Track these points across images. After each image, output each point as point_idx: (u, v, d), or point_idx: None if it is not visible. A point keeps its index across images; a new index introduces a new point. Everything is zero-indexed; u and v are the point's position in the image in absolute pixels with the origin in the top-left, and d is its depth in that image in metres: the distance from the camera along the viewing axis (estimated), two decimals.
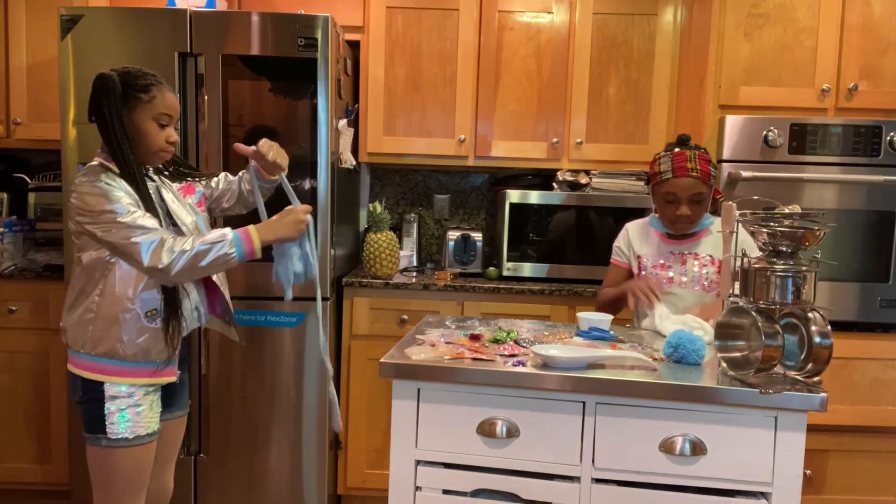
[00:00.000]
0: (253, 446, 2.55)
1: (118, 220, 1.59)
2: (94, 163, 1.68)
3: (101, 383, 1.66)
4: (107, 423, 1.66)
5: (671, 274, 2.13)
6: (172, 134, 1.74)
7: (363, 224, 3.33)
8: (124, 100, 1.66)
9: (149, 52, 2.42)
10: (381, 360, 1.56)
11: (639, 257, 2.20)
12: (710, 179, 2.10)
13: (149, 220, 1.62)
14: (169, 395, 1.84)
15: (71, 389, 1.74)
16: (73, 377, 1.71)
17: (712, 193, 2.18)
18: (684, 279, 2.12)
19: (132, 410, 1.68)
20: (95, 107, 1.67)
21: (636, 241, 2.24)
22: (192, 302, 1.77)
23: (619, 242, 2.29)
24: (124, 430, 1.67)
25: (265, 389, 2.54)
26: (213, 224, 2.01)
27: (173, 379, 1.77)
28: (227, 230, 1.67)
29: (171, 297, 1.70)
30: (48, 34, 2.80)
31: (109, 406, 1.66)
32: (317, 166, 2.47)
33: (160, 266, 1.59)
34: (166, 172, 1.84)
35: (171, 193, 1.79)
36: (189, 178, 1.89)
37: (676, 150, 2.12)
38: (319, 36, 2.42)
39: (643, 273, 2.18)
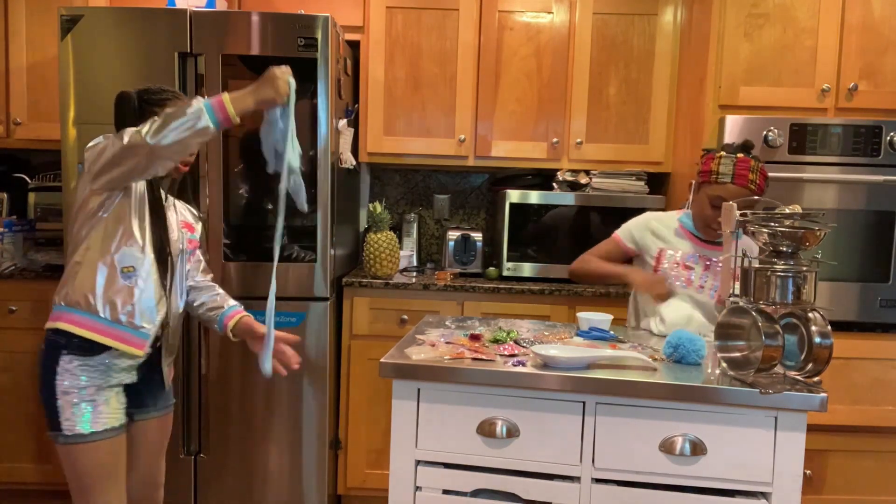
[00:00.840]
0: (253, 446, 2.56)
1: (101, 141, 1.63)
2: None
3: (54, 376, 1.62)
4: (61, 418, 1.63)
5: (692, 276, 2.07)
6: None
7: (363, 224, 3.33)
8: (140, 115, 1.70)
9: (149, 52, 2.42)
10: (381, 360, 1.56)
11: (660, 251, 2.13)
12: (762, 195, 1.99)
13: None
14: (150, 395, 1.83)
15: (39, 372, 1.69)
16: (43, 346, 1.66)
17: None
18: (702, 283, 2.08)
19: (87, 405, 1.64)
20: (117, 124, 1.74)
21: (663, 234, 2.15)
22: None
23: (634, 229, 2.21)
24: (81, 426, 1.64)
25: (265, 389, 2.54)
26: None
27: (139, 353, 1.71)
28: (200, 99, 1.59)
29: (162, 272, 1.72)
30: (48, 34, 2.80)
31: (61, 402, 1.63)
32: (317, 166, 2.47)
33: (140, 136, 1.54)
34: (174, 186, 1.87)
35: (175, 216, 1.83)
36: (188, 205, 1.94)
37: (740, 155, 2.01)
38: (319, 36, 2.42)
39: (661, 267, 2.11)
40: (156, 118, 1.57)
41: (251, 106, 1.62)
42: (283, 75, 1.66)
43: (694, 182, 2.15)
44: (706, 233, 2.10)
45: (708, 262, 2.08)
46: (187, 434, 2.55)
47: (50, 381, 1.63)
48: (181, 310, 1.86)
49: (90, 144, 1.67)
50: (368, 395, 2.73)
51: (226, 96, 1.59)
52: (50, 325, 1.67)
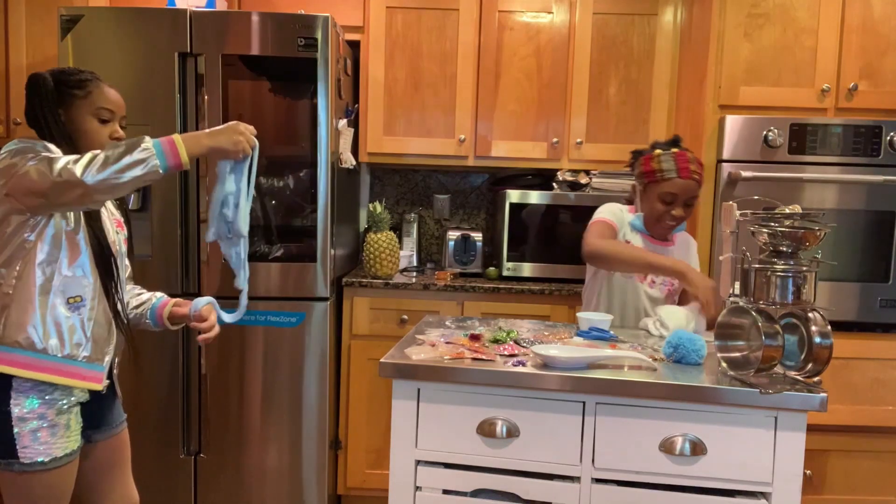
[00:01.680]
0: (253, 446, 2.56)
1: (19, 161, 1.42)
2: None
3: (8, 401, 1.48)
4: (17, 447, 1.48)
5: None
6: (117, 130, 1.62)
7: (363, 224, 3.33)
8: (59, 98, 1.56)
9: (149, 52, 2.42)
10: (381, 360, 1.56)
11: (626, 242, 2.16)
12: (702, 183, 2.11)
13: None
14: (107, 411, 1.70)
15: None
16: None
17: None
18: (657, 280, 2.14)
19: (46, 431, 1.50)
20: (29, 109, 1.57)
21: (625, 227, 2.18)
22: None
23: (614, 210, 2.18)
24: (41, 456, 1.49)
25: (265, 389, 2.54)
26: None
27: (98, 387, 1.58)
28: (148, 139, 1.42)
29: (107, 286, 1.58)
30: (48, 34, 2.79)
31: (18, 429, 1.48)
32: (317, 166, 2.47)
33: (75, 175, 1.36)
34: None
35: (105, 212, 1.67)
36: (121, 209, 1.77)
37: (676, 150, 2.10)
38: (319, 36, 2.42)
39: None
40: (95, 154, 1.40)
41: (204, 151, 1.47)
42: (247, 132, 1.53)
43: (637, 185, 2.18)
44: (657, 229, 2.14)
45: None
46: (187, 434, 2.55)
47: (3, 410, 1.48)
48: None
49: (2, 152, 1.48)
50: (368, 395, 2.73)
51: (177, 138, 1.44)
52: None
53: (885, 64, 2.53)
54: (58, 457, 1.52)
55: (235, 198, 1.55)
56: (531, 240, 2.85)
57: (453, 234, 2.97)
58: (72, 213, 1.53)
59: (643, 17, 2.89)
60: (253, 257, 2.52)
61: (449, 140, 2.94)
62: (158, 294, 1.82)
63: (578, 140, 2.92)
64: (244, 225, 1.58)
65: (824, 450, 2.54)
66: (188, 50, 2.43)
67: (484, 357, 1.59)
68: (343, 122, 2.64)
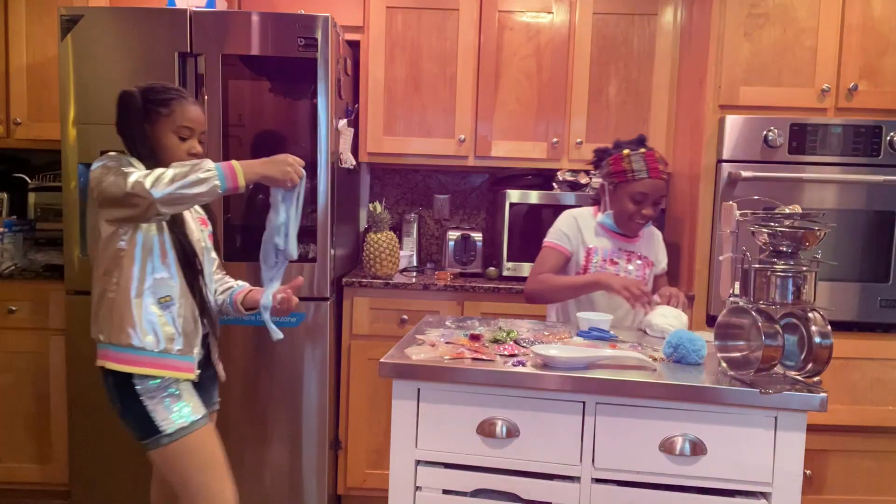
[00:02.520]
0: (253, 446, 2.55)
1: (105, 174, 1.59)
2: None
3: (133, 385, 1.68)
4: (157, 422, 1.67)
5: (618, 270, 2.18)
6: (195, 146, 1.77)
7: (363, 224, 3.33)
8: (145, 115, 1.71)
9: (149, 52, 2.42)
10: (381, 360, 1.56)
11: (589, 249, 2.20)
12: (668, 181, 2.15)
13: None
14: (207, 392, 1.88)
15: (110, 397, 1.74)
16: (105, 379, 1.72)
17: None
18: (626, 275, 2.18)
19: (173, 400, 1.70)
20: (119, 122, 1.73)
21: (587, 232, 2.22)
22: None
23: (565, 228, 2.23)
24: (180, 419, 1.69)
25: (265, 389, 2.54)
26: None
27: (191, 377, 1.75)
28: (211, 162, 1.59)
29: (192, 284, 1.74)
30: (48, 34, 2.80)
31: (150, 406, 1.68)
32: (317, 166, 2.47)
33: (143, 186, 1.53)
34: None
35: (190, 213, 1.84)
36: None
37: (644, 150, 2.14)
38: (319, 36, 2.42)
39: (591, 265, 2.18)
40: (163, 171, 1.56)
41: (257, 178, 1.63)
42: (296, 164, 1.67)
43: (606, 184, 2.22)
44: (628, 227, 2.19)
45: (629, 255, 2.21)
46: None
47: (131, 395, 1.68)
48: (215, 305, 1.91)
49: (94, 165, 1.65)
50: (368, 395, 2.73)
51: (236, 164, 1.60)
52: (101, 363, 1.71)
53: (885, 64, 2.53)
54: (195, 420, 1.70)
55: (286, 227, 1.70)
56: (531, 240, 2.84)
57: (453, 234, 2.97)
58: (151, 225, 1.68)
59: (643, 17, 2.89)
60: (253, 257, 2.52)
61: (449, 140, 2.94)
62: (240, 282, 1.99)
63: (578, 140, 2.92)
64: (294, 251, 1.74)
65: (824, 450, 2.54)
66: (188, 50, 2.43)
67: (484, 357, 1.59)
68: (343, 122, 2.64)
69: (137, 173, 1.56)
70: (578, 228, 2.23)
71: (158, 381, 1.69)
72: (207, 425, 1.75)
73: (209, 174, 1.56)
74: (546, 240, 2.25)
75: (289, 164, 1.65)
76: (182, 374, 1.72)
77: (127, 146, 1.72)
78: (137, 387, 1.67)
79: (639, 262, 2.23)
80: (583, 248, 2.21)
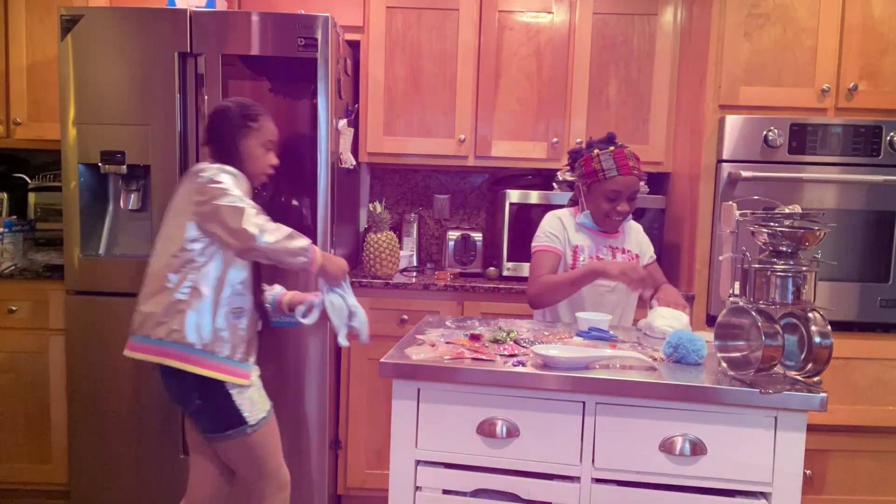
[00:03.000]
0: None
1: (229, 190, 1.76)
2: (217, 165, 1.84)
3: (223, 383, 1.81)
4: (244, 414, 1.84)
5: None
6: (274, 158, 1.97)
7: (363, 224, 3.33)
8: (239, 128, 1.89)
9: (149, 52, 2.42)
10: (381, 360, 1.56)
11: (575, 247, 2.21)
12: (643, 177, 2.20)
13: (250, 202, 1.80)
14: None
15: (179, 398, 1.86)
16: (186, 383, 1.80)
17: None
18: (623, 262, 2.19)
19: (255, 394, 1.88)
20: (214, 132, 1.89)
21: (571, 231, 2.24)
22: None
23: (551, 229, 2.24)
24: (262, 411, 1.88)
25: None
26: None
27: (246, 383, 1.87)
28: (307, 239, 1.83)
29: (257, 299, 1.92)
30: (48, 34, 2.80)
31: (238, 401, 1.83)
32: (317, 166, 2.47)
33: (253, 231, 1.71)
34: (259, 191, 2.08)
35: None
36: None
37: (613, 148, 2.15)
38: (319, 36, 2.42)
39: (578, 264, 2.19)
40: (275, 226, 1.76)
41: (321, 271, 1.88)
42: (345, 267, 1.94)
43: (581, 185, 2.24)
44: (606, 225, 2.22)
45: (614, 250, 2.22)
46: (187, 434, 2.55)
47: (220, 392, 1.82)
48: None
49: (207, 175, 1.78)
50: (368, 395, 2.73)
51: (318, 252, 1.85)
52: (160, 360, 1.79)
53: (885, 64, 2.53)
54: (269, 409, 1.93)
55: (350, 307, 1.95)
56: (531, 240, 2.84)
57: (453, 234, 2.97)
58: None
59: (643, 17, 2.89)
60: None
61: (449, 140, 2.94)
62: (277, 287, 2.14)
63: (578, 140, 2.92)
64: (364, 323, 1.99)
65: (824, 450, 2.54)
66: (188, 50, 2.43)
67: (484, 357, 1.58)
68: (343, 122, 2.64)
69: (249, 213, 1.73)
70: (563, 227, 2.24)
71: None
72: (273, 416, 1.96)
73: (304, 247, 1.80)
74: (535, 244, 2.25)
75: (343, 268, 1.93)
76: (240, 380, 1.84)
77: (216, 154, 1.87)
78: (227, 384, 1.82)
79: (624, 255, 2.24)
80: (569, 247, 2.22)
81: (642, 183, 2.60)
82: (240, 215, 1.72)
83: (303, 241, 1.80)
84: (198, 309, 1.78)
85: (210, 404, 1.83)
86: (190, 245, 1.79)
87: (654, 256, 2.36)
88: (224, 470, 1.99)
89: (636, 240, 2.31)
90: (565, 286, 2.13)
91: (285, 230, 1.78)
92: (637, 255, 2.28)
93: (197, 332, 1.78)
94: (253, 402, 1.87)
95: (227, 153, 1.86)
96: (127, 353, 1.83)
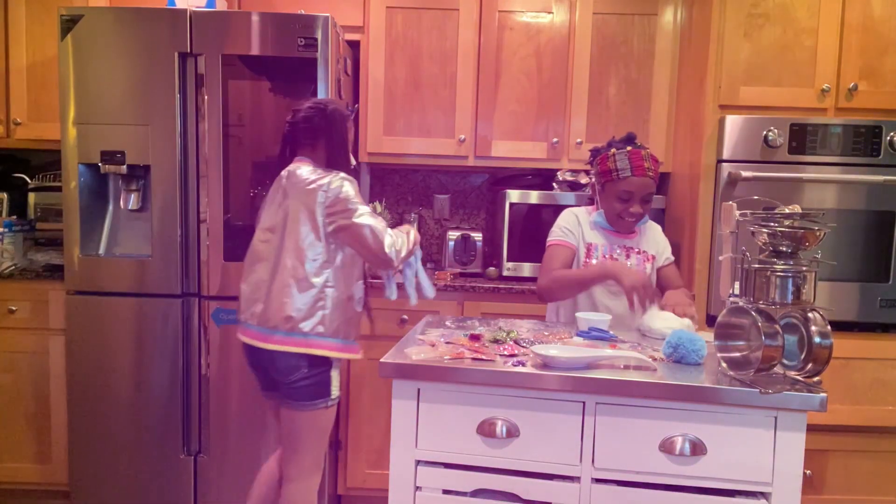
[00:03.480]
0: (253, 446, 2.55)
1: (360, 209, 1.97)
2: (332, 172, 2.02)
3: (330, 363, 2.02)
4: (331, 388, 2.04)
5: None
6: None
7: None
8: (347, 126, 2.10)
9: (149, 52, 2.42)
10: (381, 360, 1.56)
11: (589, 244, 2.21)
12: (658, 179, 2.16)
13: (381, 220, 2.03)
14: None
15: (286, 370, 2.00)
16: (297, 357, 1.98)
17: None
18: (637, 272, 2.14)
19: (336, 377, 2.06)
20: (329, 130, 2.06)
21: (586, 229, 2.23)
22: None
23: (566, 224, 2.24)
24: (336, 389, 2.06)
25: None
26: None
27: (359, 356, 2.13)
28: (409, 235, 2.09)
29: (366, 288, 2.18)
30: (48, 34, 2.80)
31: (332, 374, 2.04)
32: None
33: (390, 254, 1.96)
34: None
35: None
36: None
37: (630, 148, 2.14)
38: (319, 36, 2.42)
39: (591, 261, 2.18)
40: (403, 242, 2.02)
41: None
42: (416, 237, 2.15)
43: (596, 184, 2.24)
44: (619, 225, 2.20)
45: (629, 250, 2.20)
46: (187, 434, 2.55)
47: (325, 370, 2.02)
48: None
49: (335, 188, 1.96)
50: (368, 395, 2.73)
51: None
52: (309, 350, 1.98)
53: (885, 64, 2.53)
54: (339, 393, 2.10)
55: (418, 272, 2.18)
56: (531, 240, 2.84)
57: (453, 234, 2.97)
58: None
59: (643, 17, 2.89)
60: None
61: (449, 140, 2.94)
62: None
63: (578, 140, 2.92)
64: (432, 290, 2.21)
65: (824, 450, 2.54)
66: (188, 50, 2.43)
67: (484, 357, 1.58)
68: None
69: (387, 238, 1.96)
70: (579, 224, 2.24)
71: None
72: None
73: (416, 243, 2.11)
74: (550, 239, 2.25)
75: (416, 239, 2.13)
76: (356, 355, 2.12)
77: (329, 148, 2.05)
78: (333, 365, 2.04)
79: (638, 256, 2.22)
80: (583, 244, 2.22)
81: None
82: (379, 241, 1.95)
83: (413, 237, 2.07)
84: (334, 302, 2.00)
85: (313, 378, 2.01)
86: (319, 249, 1.97)
87: (672, 258, 2.32)
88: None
89: (654, 240, 2.28)
90: (575, 283, 2.12)
91: (402, 237, 2.03)
92: (653, 256, 2.25)
93: (331, 322, 2.00)
94: (337, 380, 2.07)
95: (338, 148, 2.06)
96: (267, 345, 1.98)
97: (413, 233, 2.11)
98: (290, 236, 1.98)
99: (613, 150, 2.16)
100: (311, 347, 1.98)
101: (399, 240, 2.00)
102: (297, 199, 1.97)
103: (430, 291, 2.18)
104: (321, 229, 1.96)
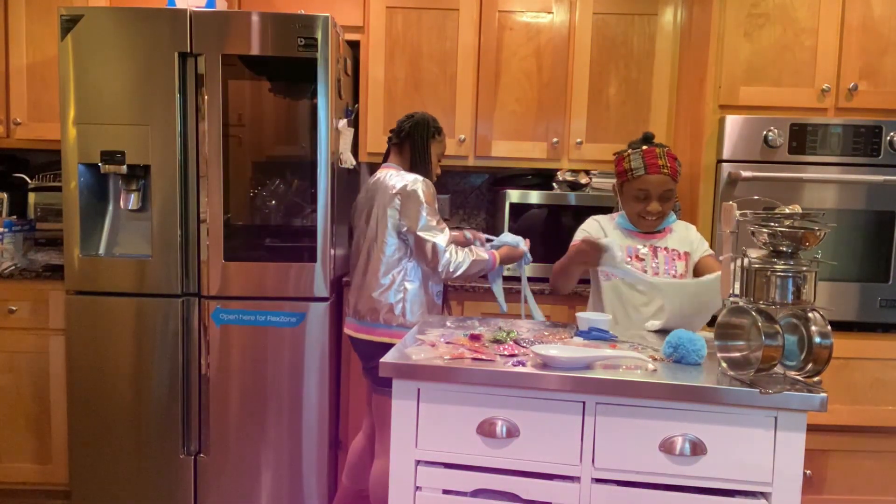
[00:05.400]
0: (253, 446, 2.55)
1: (425, 217, 2.21)
2: (412, 175, 2.28)
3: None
4: None
5: (643, 266, 2.16)
6: (437, 166, 2.46)
7: None
8: (431, 135, 2.36)
9: (149, 52, 2.42)
10: (381, 360, 1.56)
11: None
12: (677, 176, 2.15)
13: (447, 233, 2.25)
14: None
15: (366, 358, 2.30)
16: (377, 345, 2.21)
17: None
18: (656, 270, 2.16)
19: None
20: (415, 138, 2.34)
21: (609, 232, 2.23)
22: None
23: (587, 228, 2.27)
24: None
25: (265, 389, 2.54)
26: None
27: None
28: (486, 254, 2.31)
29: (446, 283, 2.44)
30: (48, 34, 2.80)
31: None
32: (317, 166, 2.47)
33: (447, 270, 2.21)
34: None
35: None
36: None
37: (645, 147, 2.15)
38: (319, 36, 2.42)
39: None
40: (464, 261, 2.24)
41: (507, 262, 2.40)
42: (522, 250, 2.42)
43: (615, 185, 2.26)
44: (641, 224, 2.19)
45: (655, 249, 2.18)
46: (187, 434, 2.55)
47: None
48: None
49: (409, 189, 2.22)
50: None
51: (497, 256, 2.35)
52: (390, 340, 2.18)
53: (885, 64, 2.53)
54: None
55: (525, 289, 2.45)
56: (531, 239, 2.83)
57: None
58: None
59: (643, 17, 2.89)
60: (253, 257, 2.53)
61: (449, 140, 2.93)
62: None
63: (578, 140, 2.92)
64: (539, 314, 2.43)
65: (824, 450, 2.54)
66: (188, 50, 2.43)
67: (484, 357, 1.58)
68: (343, 122, 2.64)
69: (445, 255, 2.21)
70: (600, 227, 2.25)
71: None
72: None
73: (484, 265, 2.30)
74: (572, 242, 2.26)
75: (520, 252, 2.41)
76: None
77: (413, 153, 2.34)
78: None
79: (666, 254, 2.18)
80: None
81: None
82: (436, 255, 2.20)
83: (482, 260, 2.28)
84: (413, 296, 2.26)
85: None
86: (396, 250, 2.25)
87: (710, 252, 2.24)
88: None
89: (686, 238, 2.23)
90: (560, 271, 2.18)
91: (468, 259, 2.24)
92: (686, 254, 2.20)
93: (412, 314, 2.26)
94: None
95: (421, 155, 2.33)
96: (358, 335, 2.31)
97: (480, 252, 2.31)
98: (368, 232, 2.31)
99: (629, 150, 2.17)
100: (394, 337, 2.16)
101: (457, 259, 2.21)
102: (376, 197, 2.29)
103: (502, 307, 2.42)
104: (393, 232, 2.25)
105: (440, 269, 2.20)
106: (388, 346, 2.08)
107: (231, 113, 2.50)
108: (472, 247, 2.38)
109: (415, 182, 2.23)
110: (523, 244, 2.41)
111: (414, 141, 2.33)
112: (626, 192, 2.18)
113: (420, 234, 2.20)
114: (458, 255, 2.23)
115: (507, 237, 2.44)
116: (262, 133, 2.63)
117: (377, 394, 2.28)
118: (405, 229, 2.23)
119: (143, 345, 2.51)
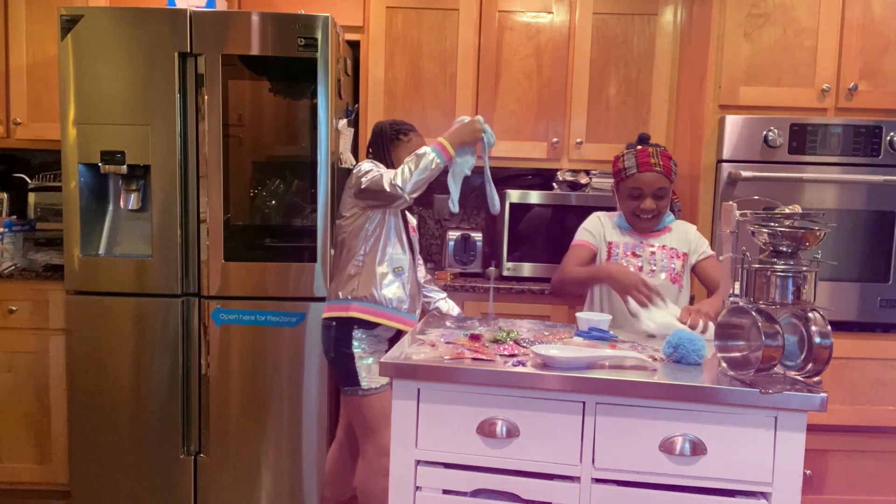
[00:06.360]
0: (253, 446, 2.55)
1: (371, 170, 2.17)
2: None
3: (350, 345, 2.19)
4: (359, 378, 2.17)
5: (640, 263, 2.18)
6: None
7: None
8: (391, 139, 2.32)
9: (149, 52, 2.42)
10: (381, 359, 1.56)
11: (609, 244, 2.24)
12: (671, 175, 2.17)
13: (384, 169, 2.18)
14: None
15: (325, 346, 2.28)
16: (326, 326, 2.23)
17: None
18: (653, 268, 2.18)
19: (374, 367, 2.18)
20: (373, 144, 2.35)
21: (608, 229, 2.26)
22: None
23: (589, 226, 2.30)
24: (374, 381, 2.18)
25: (265, 389, 2.53)
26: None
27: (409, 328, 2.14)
28: (426, 147, 2.14)
29: (414, 260, 2.32)
30: (48, 34, 2.80)
31: (358, 364, 2.18)
32: (317, 166, 2.47)
33: (397, 183, 2.09)
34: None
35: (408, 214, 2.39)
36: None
37: (639, 147, 2.18)
38: (319, 36, 2.42)
39: (612, 259, 2.20)
40: (402, 169, 2.11)
41: (458, 145, 2.18)
42: (476, 122, 2.20)
43: (612, 186, 2.30)
44: (637, 224, 2.22)
45: (651, 247, 2.20)
46: (187, 434, 2.55)
47: (347, 351, 2.19)
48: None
49: (361, 169, 2.19)
50: None
51: (443, 140, 2.15)
52: (340, 313, 2.21)
53: (885, 64, 2.53)
54: (383, 384, 2.20)
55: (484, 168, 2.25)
56: (531, 240, 2.84)
57: (453, 234, 2.97)
58: (391, 213, 2.23)
59: (643, 17, 2.89)
60: (253, 257, 2.53)
61: None
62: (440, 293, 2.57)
63: (578, 140, 2.92)
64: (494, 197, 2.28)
65: (824, 450, 2.54)
66: (188, 50, 2.43)
67: (484, 357, 1.58)
68: (343, 122, 2.64)
69: (388, 174, 2.11)
70: (601, 224, 2.28)
71: (366, 345, 2.21)
72: (388, 390, 2.17)
73: (430, 157, 2.11)
74: (575, 239, 2.31)
75: (475, 128, 2.19)
76: (406, 326, 2.19)
77: (383, 162, 2.27)
78: (354, 345, 2.20)
79: (664, 252, 2.19)
80: (604, 244, 2.25)
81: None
82: (381, 184, 2.10)
83: (426, 151, 2.12)
84: (368, 271, 2.21)
85: (337, 361, 2.24)
86: (354, 218, 2.22)
87: (710, 253, 2.24)
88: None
89: (685, 238, 2.24)
90: (576, 282, 2.21)
91: (409, 162, 2.11)
92: (685, 254, 2.21)
93: (367, 287, 2.20)
94: (369, 369, 2.20)
95: (382, 157, 2.30)
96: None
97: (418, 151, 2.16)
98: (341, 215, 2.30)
99: (623, 151, 2.21)
100: (339, 310, 2.22)
101: (400, 171, 2.10)
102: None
103: (453, 205, 2.27)
104: (352, 199, 2.22)
105: (389, 189, 2.09)
106: (331, 322, 2.21)
107: (231, 113, 2.50)
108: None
109: (365, 163, 2.23)
110: (482, 121, 2.21)
111: (377, 151, 2.33)
112: (621, 191, 2.22)
113: (364, 182, 2.15)
114: (396, 171, 2.14)
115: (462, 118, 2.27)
116: (262, 133, 2.63)
117: (343, 395, 2.25)
118: (354, 193, 2.20)
119: (143, 345, 2.51)
